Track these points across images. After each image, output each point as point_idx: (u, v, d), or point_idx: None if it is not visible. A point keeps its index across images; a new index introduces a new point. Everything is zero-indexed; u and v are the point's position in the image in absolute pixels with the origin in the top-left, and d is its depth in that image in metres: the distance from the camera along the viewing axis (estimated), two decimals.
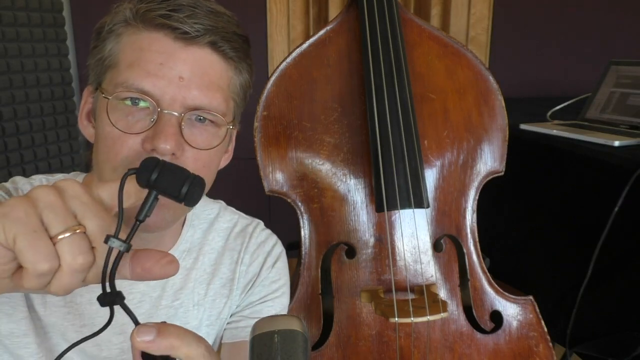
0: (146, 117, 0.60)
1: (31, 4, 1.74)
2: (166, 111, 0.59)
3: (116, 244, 0.38)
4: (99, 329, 0.42)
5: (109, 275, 0.39)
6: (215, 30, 0.61)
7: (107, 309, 0.41)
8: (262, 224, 0.86)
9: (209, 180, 0.66)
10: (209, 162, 0.64)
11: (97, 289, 0.69)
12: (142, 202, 0.41)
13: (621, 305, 1.03)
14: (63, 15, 1.90)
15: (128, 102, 0.59)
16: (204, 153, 0.63)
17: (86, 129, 0.68)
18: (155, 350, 0.38)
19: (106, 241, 0.38)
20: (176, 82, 0.59)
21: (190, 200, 0.42)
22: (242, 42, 0.66)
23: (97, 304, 0.40)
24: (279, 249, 0.85)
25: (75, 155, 1.97)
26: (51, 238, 0.36)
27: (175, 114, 0.59)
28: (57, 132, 1.88)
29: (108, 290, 0.39)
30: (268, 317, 0.44)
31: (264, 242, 0.84)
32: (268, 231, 0.86)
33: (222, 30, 0.62)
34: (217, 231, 0.81)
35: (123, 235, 0.39)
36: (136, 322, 0.40)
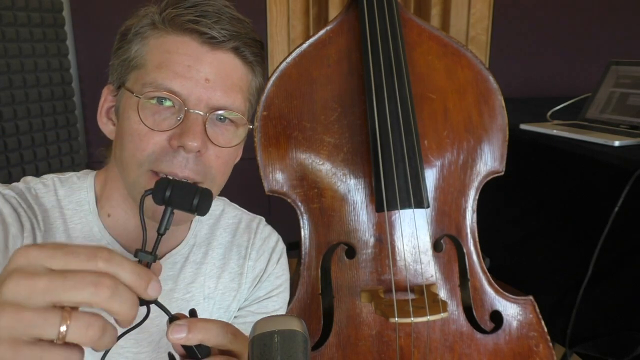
0: (172, 115, 0.63)
1: (31, 4, 1.74)
2: (192, 110, 0.63)
3: (144, 257, 0.44)
4: (138, 323, 0.46)
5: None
6: (238, 36, 0.65)
7: None
8: (264, 219, 0.89)
9: (226, 176, 0.71)
10: (228, 159, 0.69)
11: None
12: (161, 218, 0.46)
13: (621, 305, 1.03)
14: (63, 15, 1.90)
15: (154, 102, 0.63)
16: (224, 151, 0.67)
17: (105, 126, 0.71)
18: (189, 343, 0.44)
19: (136, 255, 0.43)
20: (202, 84, 0.63)
21: (202, 211, 0.47)
22: (260, 48, 0.70)
23: None
24: (282, 244, 0.89)
25: (75, 155, 1.97)
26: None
27: (201, 113, 0.63)
28: (57, 132, 1.88)
29: None
30: (268, 317, 0.44)
31: (268, 237, 0.87)
32: (270, 227, 0.89)
33: (244, 36, 0.66)
34: (224, 227, 0.83)
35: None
36: (170, 315, 0.45)
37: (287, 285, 0.88)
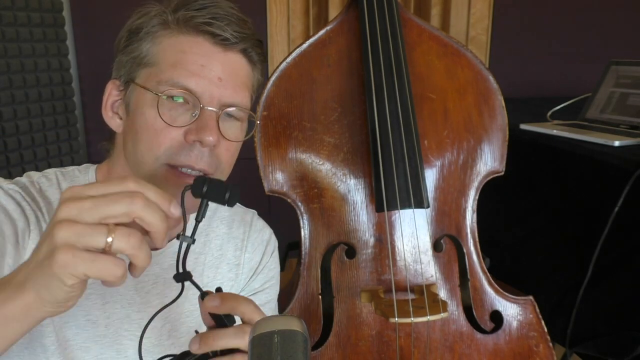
0: (186, 112, 0.67)
1: (31, 4, 1.74)
2: (207, 107, 0.66)
3: (185, 239, 0.53)
4: (174, 299, 0.56)
5: (181, 261, 0.55)
6: (247, 38, 0.70)
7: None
8: (256, 212, 0.92)
9: (231, 167, 0.76)
10: (235, 151, 0.74)
11: None
12: (198, 208, 0.55)
13: (621, 305, 1.03)
14: (63, 15, 1.90)
15: (165, 98, 0.66)
16: (233, 144, 0.72)
17: (112, 120, 0.73)
18: (220, 311, 0.54)
19: (178, 237, 0.53)
20: (215, 82, 0.67)
21: (232, 203, 0.56)
22: (262, 48, 0.75)
23: None
24: (274, 237, 0.92)
25: (75, 155, 1.97)
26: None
27: (215, 110, 0.67)
28: (57, 132, 1.88)
29: (181, 270, 0.55)
30: (268, 317, 0.44)
31: (262, 230, 0.90)
32: (262, 220, 0.92)
33: (251, 37, 0.71)
34: (220, 219, 0.86)
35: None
36: (201, 291, 0.55)
37: (278, 278, 0.91)
